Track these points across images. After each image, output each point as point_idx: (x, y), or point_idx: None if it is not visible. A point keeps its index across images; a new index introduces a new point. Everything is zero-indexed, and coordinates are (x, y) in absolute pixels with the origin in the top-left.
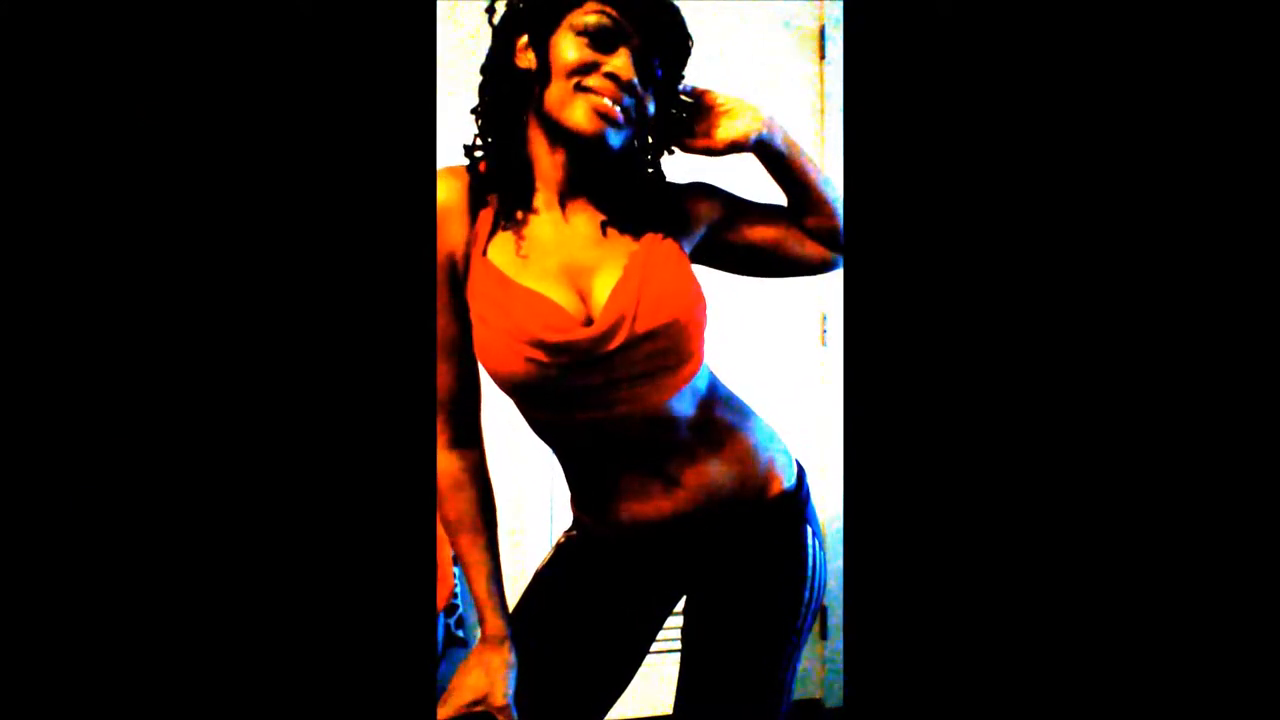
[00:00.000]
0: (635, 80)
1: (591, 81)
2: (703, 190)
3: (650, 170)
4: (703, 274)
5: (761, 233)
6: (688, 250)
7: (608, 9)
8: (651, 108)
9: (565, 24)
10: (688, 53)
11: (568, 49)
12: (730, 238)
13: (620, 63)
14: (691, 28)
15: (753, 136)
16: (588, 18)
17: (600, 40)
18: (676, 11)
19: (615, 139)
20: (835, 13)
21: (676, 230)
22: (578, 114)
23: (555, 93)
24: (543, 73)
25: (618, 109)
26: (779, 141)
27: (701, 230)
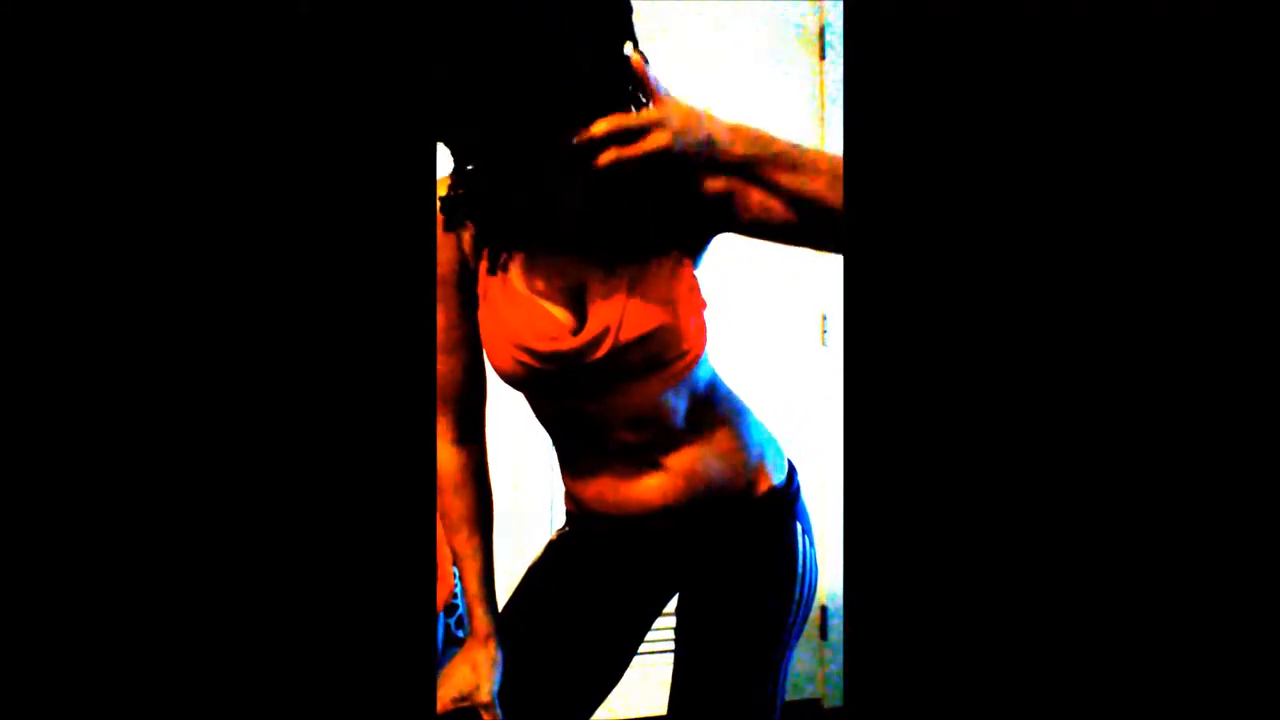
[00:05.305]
0: (535, 187)
1: None
2: (701, 173)
3: (635, 185)
4: (704, 273)
5: (767, 212)
6: (692, 239)
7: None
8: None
9: None
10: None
11: None
12: (739, 209)
13: None
14: (692, 27)
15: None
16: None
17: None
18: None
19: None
20: (835, 13)
21: (676, 223)
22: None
23: None
24: None
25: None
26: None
27: (708, 210)
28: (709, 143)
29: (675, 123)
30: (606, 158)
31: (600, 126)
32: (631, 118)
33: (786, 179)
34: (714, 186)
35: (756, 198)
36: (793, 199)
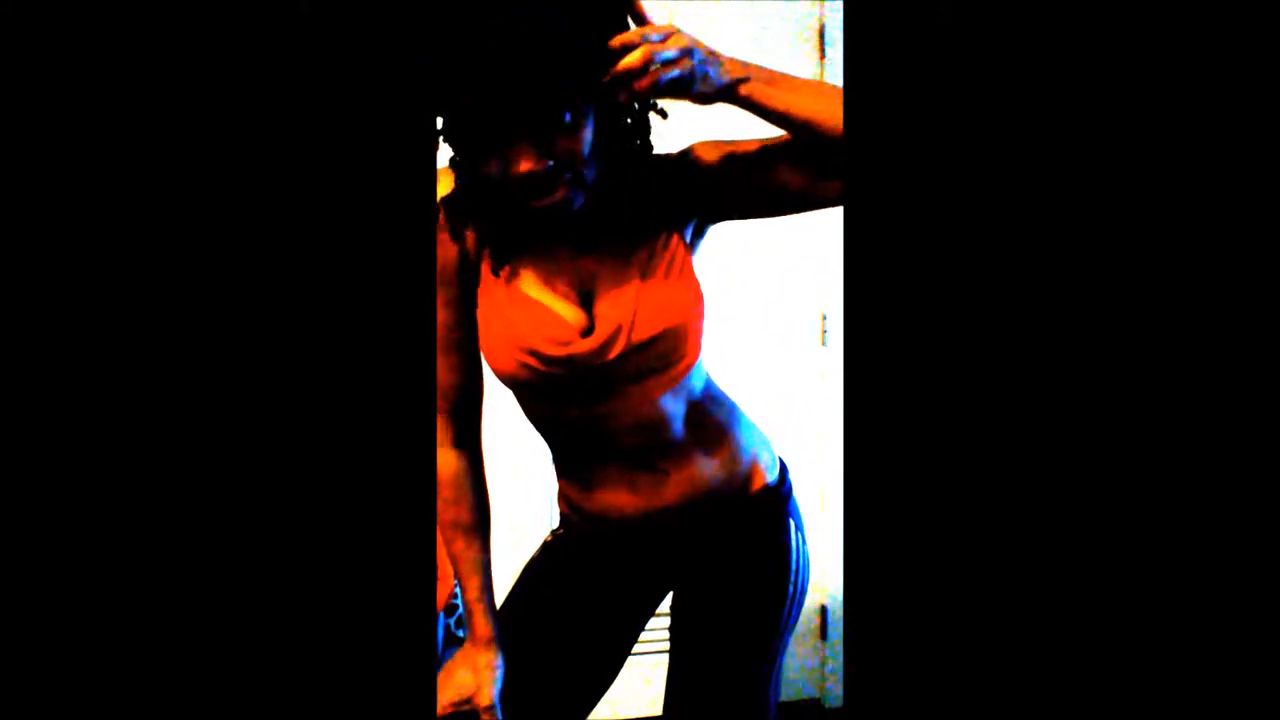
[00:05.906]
0: (547, 167)
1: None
2: (697, 153)
3: (638, 168)
4: (703, 273)
5: (768, 178)
6: (691, 229)
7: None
8: (588, 140)
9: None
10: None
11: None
12: (736, 192)
13: (521, 161)
14: (691, 27)
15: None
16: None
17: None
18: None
19: (575, 200)
20: (835, 13)
21: (677, 216)
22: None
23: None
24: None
25: (553, 198)
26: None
27: (704, 197)
28: (713, 56)
29: (686, 33)
30: (637, 56)
31: (626, 35)
32: (649, 27)
33: (782, 98)
34: (713, 158)
35: (756, 161)
36: (791, 123)
